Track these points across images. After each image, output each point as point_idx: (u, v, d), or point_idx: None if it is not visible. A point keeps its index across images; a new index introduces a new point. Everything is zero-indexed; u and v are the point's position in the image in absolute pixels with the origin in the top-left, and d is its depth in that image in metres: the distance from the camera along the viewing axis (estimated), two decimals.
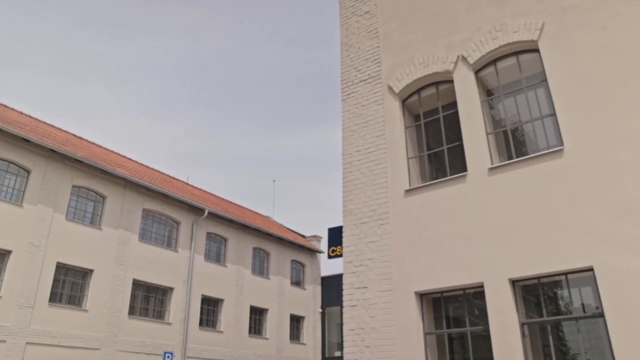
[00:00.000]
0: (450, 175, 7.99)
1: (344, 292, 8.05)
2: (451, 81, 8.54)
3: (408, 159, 8.52)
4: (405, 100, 9.05)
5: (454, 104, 8.56)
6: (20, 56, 66.88)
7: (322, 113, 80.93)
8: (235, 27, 77.10)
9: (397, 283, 7.63)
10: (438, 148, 8.61)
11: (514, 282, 6.88)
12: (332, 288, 31.88)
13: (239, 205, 31.84)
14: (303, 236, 33.09)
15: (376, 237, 8.06)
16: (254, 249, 27.98)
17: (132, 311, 21.45)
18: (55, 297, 19.10)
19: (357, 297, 7.88)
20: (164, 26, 74.93)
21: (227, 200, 31.19)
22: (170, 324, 22.50)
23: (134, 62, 73.87)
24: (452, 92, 8.55)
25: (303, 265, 31.18)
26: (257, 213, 33.10)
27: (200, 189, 29.94)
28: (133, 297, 21.69)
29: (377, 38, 9.65)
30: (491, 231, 7.12)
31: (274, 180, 35.23)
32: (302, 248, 31.12)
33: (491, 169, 7.47)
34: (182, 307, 23.18)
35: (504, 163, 7.38)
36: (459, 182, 7.68)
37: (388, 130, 8.75)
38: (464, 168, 7.96)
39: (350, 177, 8.79)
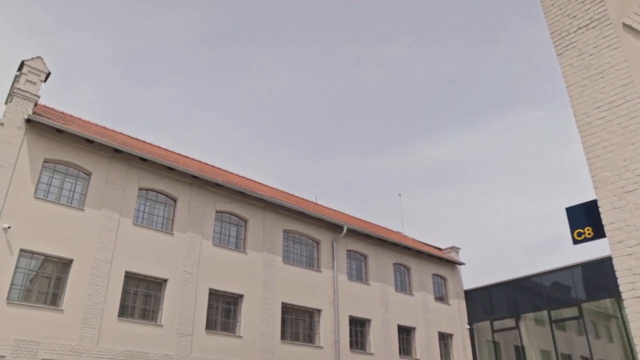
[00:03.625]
0: None
1: (620, 281, 6.29)
2: None
3: None
4: None
5: None
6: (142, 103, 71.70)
7: (424, 128, 78.37)
8: (322, 56, 77.59)
9: None
10: None
11: None
12: (477, 302, 29.35)
13: (370, 222, 30.55)
14: (439, 249, 31.04)
15: None
16: (394, 264, 26.44)
17: (283, 335, 20.69)
18: (211, 325, 18.79)
19: None
20: (259, 65, 77.23)
21: (358, 218, 30.04)
22: (321, 347, 21.46)
23: (239, 101, 76.62)
24: None
25: (444, 279, 29.07)
26: (388, 229, 31.60)
27: (331, 208, 29.09)
28: (283, 321, 20.97)
29: None
30: None
31: (400, 194, 33.49)
32: (442, 261, 29.06)
33: None
34: (331, 330, 22.09)
35: None
36: None
37: (637, 76, 6.99)
38: None
39: (594, 140, 7.09)
